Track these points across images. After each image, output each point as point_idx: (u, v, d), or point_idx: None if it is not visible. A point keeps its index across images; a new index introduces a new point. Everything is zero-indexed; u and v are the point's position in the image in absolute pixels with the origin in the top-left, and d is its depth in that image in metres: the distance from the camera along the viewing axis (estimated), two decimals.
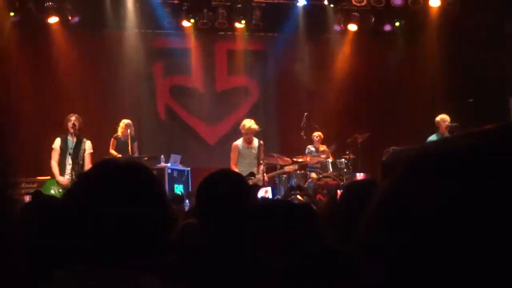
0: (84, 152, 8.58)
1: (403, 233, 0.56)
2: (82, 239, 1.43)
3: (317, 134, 10.92)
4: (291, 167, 9.94)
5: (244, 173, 8.65)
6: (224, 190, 2.38)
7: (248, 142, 9.36)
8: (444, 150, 0.58)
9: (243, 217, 2.37)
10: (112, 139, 9.74)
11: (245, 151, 9.36)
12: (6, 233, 0.81)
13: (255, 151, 9.34)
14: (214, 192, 2.38)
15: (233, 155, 9.37)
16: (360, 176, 10.25)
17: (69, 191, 1.55)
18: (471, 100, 10.59)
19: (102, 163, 1.57)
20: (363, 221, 0.62)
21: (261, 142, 9.49)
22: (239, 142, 9.45)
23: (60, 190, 8.23)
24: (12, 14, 11.07)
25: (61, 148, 8.56)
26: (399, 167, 0.59)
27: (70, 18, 11.34)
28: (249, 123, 9.30)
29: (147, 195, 1.48)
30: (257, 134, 9.58)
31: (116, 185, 1.46)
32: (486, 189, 0.52)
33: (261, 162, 9.48)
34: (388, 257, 0.57)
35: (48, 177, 9.15)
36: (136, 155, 9.66)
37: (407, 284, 0.55)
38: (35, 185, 8.89)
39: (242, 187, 2.44)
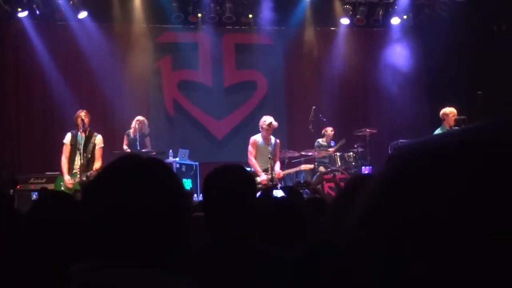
0: (94, 147, 8.61)
1: (392, 226, 0.56)
2: (101, 236, 1.42)
3: (330, 129, 10.91)
4: (307, 166, 10.05)
5: (261, 168, 9.06)
6: (228, 184, 2.38)
7: (266, 138, 9.42)
8: (438, 147, 0.58)
9: (249, 210, 2.38)
10: (125, 135, 9.88)
11: (263, 147, 9.42)
12: None
13: (271, 148, 9.39)
14: (219, 186, 2.39)
15: (252, 150, 9.44)
16: (366, 169, 10.26)
17: (87, 186, 1.54)
18: (480, 92, 10.51)
19: (123, 159, 1.56)
20: (354, 212, 0.62)
21: (278, 140, 9.59)
22: (258, 137, 9.48)
23: (63, 189, 8.25)
24: (19, 9, 11.12)
25: (71, 143, 8.59)
26: (393, 163, 0.59)
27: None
28: (270, 119, 9.36)
29: (167, 192, 1.48)
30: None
31: (137, 181, 1.46)
32: (474, 187, 0.52)
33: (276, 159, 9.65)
34: (374, 253, 0.57)
35: (57, 173, 9.19)
36: (147, 149, 9.75)
37: (398, 279, 0.55)
38: (43, 181, 8.93)
39: (246, 180, 2.45)
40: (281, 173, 9.54)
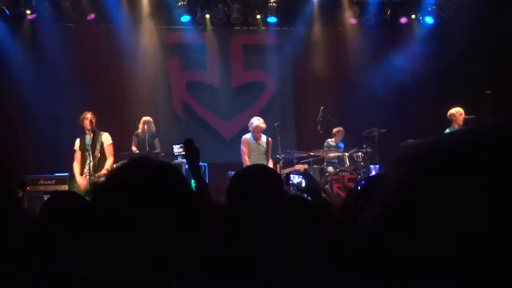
0: (102, 145, 8.63)
1: (406, 226, 0.57)
2: (111, 240, 1.42)
3: (338, 129, 10.91)
4: (301, 166, 10.07)
5: None
6: (259, 184, 2.40)
7: (256, 138, 9.61)
8: (447, 147, 0.58)
9: (276, 210, 2.38)
10: (133, 136, 9.94)
11: (254, 145, 9.62)
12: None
13: (263, 148, 9.60)
14: (250, 186, 2.40)
15: (245, 148, 9.64)
16: (375, 168, 10.24)
17: (97, 189, 1.53)
18: (489, 91, 10.47)
19: (133, 162, 1.55)
20: (368, 210, 0.63)
21: (269, 139, 9.72)
22: (249, 136, 9.71)
23: (76, 190, 8.28)
24: (28, 12, 11.18)
25: (80, 148, 8.64)
26: (405, 163, 0.60)
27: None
28: (257, 122, 9.59)
29: (177, 196, 1.48)
30: (273, 129, 9.71)
31: (147, 185, 1.46)
32: (477, 186, 0.53)
33: (278, 156, 9.76)
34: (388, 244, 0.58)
35: (67, 174, 9.23)
36: (156, 150, 9.78)
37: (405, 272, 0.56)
38: (53, 182, 8.98)
39: (277, 181, 2.47)
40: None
